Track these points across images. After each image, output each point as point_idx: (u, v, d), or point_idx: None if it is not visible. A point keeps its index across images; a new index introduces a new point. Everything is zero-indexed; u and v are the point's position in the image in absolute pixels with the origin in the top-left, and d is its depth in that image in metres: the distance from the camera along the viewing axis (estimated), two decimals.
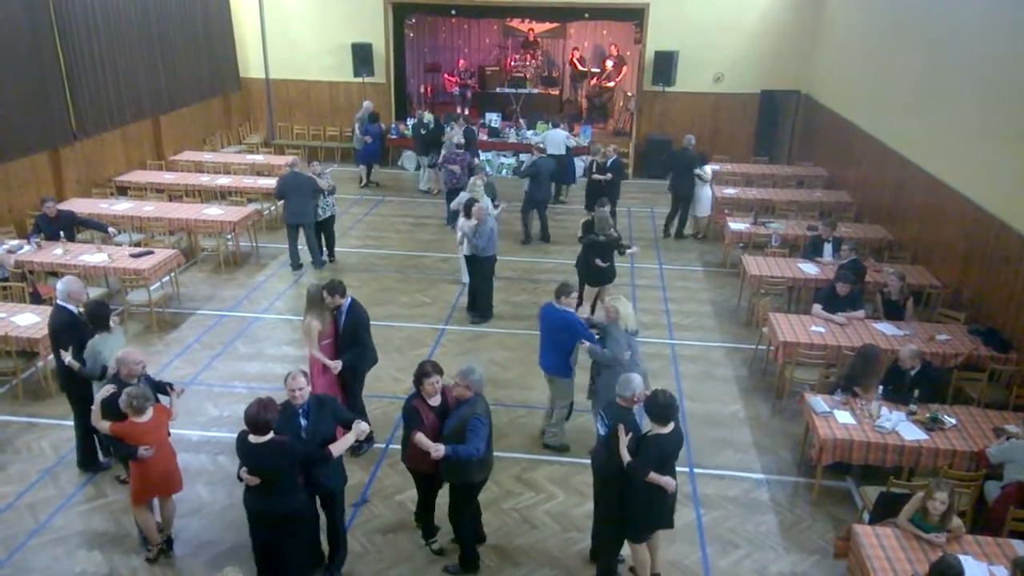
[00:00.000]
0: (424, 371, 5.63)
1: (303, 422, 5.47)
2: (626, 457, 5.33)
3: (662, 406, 5.35)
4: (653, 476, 5.33)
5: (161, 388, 6.21)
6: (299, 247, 11.62)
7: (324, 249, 11.88)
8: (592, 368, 7.21)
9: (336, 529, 5.86)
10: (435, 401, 5.69)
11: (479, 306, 10.13)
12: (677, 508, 6.44)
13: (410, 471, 6.02)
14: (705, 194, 13.18)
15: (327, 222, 11.71)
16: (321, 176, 11.38)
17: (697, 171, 12.98)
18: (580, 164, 16.60)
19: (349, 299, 7.05)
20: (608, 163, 12.81)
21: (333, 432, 5.58)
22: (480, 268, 9.95)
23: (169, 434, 5.96)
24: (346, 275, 11.34)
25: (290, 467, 5.23)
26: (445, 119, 17.33)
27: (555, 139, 14.32)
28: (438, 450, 5.42)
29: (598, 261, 9.61)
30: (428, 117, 15.57)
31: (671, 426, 5.38)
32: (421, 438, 5.51)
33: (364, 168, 15.95)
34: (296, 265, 11.68)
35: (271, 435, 5.20)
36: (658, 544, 5.87)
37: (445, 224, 13.38)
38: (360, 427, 5.52)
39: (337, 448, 5.39)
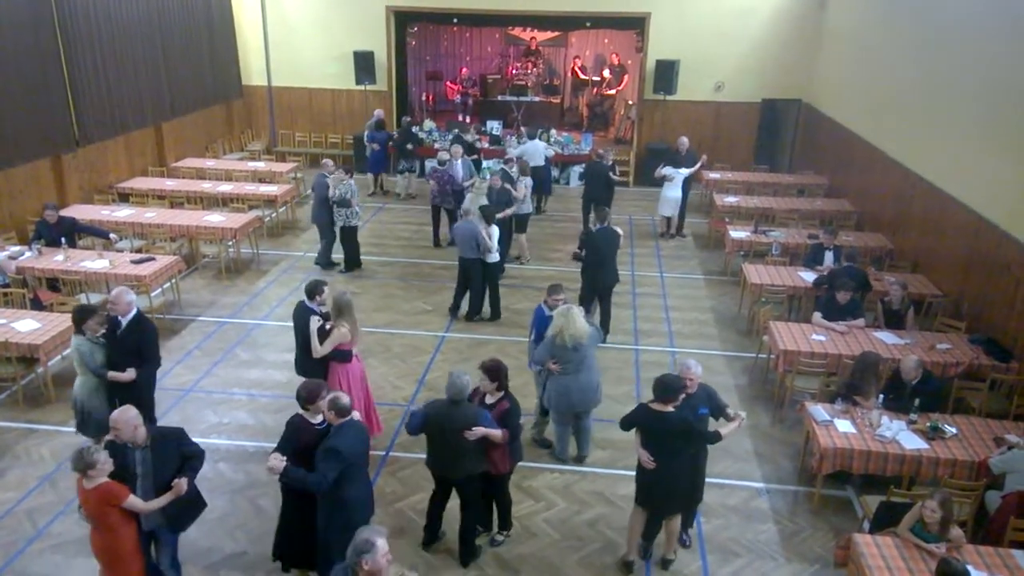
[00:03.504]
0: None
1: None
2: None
3: (662, 383, 5.65)
4: (638, 447, 5.80)
5: (190, 464, 5.31)
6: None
7: (346, 256, 11.89)
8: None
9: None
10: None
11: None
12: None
13: None
14: (664, 194, 13.53)
15: (344, 231, 11.61)
16: (338, 186, 11.24)
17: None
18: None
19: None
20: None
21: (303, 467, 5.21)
22: None
23: (136, 521, 5.12)
24: (347, 282, 11.40)
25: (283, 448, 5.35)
26: (447, 127, 17.46)
27: (534, 151, 14.16)
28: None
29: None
30: (429, 125, 15.62)
31: (669, 408, 5.60)
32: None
33: (371, 176, 15.97)
34: (319, 262, 12.02)
35: (299, 412, 5.41)
36: (673, 529, 6.07)
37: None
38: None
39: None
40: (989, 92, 9.00)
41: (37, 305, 9.18)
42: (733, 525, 6.71)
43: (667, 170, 13.37)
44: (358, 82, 17.19)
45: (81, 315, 6.71)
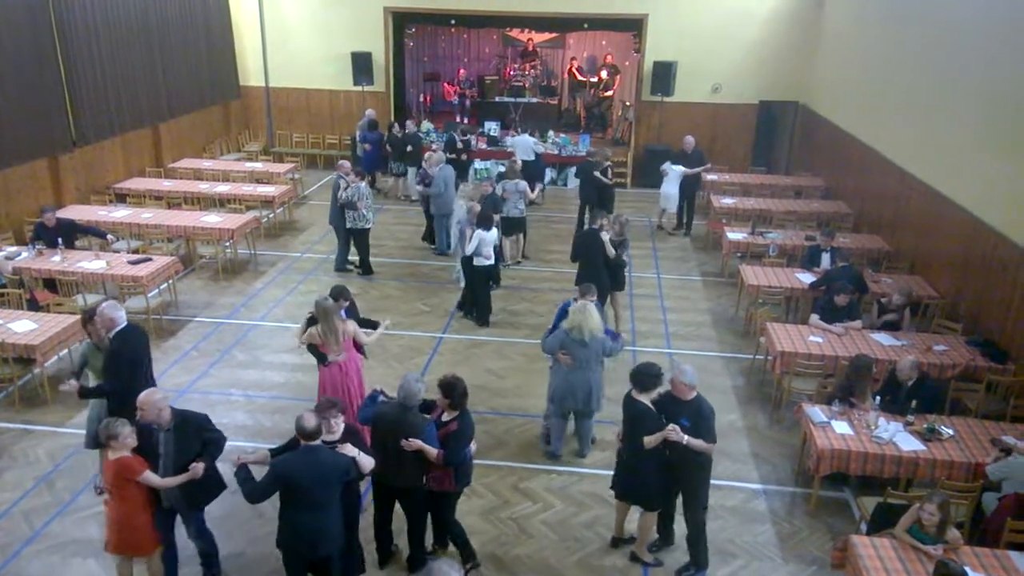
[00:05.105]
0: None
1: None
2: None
3: (641, 372, 5.88)
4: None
5: (208, 450, 5.53)
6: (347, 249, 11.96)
7: (359, 258, 11.87)
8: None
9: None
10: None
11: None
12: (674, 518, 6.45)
13: None
14: (662, 190, 13.98)
15: (355, 233, 11.58)
16: (348, 187, 11.23)
17: None
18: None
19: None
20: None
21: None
22: None
23: (152, 497, 5.32)
24: (346, 283, 11.35)
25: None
26: (444, 127, 17.47)
27: (523, 145, 14.64)
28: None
29: None
30: (426, 126, 15.59)
31: (644, 397, 5.81)
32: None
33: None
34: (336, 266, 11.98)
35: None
36: (643, 527, 6.20)
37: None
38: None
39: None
40: (985, 94, 9.02)
41: (34, 306, 9.15)
42: (731, 526, 6.71)
43: (664, 165, 13.88)
44: (356, 83, 17.19)
45: (84, 318, 6.73)
